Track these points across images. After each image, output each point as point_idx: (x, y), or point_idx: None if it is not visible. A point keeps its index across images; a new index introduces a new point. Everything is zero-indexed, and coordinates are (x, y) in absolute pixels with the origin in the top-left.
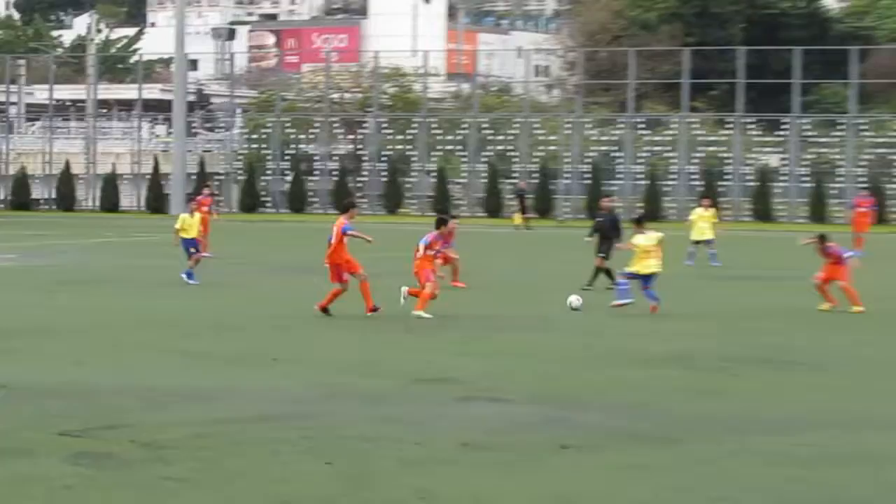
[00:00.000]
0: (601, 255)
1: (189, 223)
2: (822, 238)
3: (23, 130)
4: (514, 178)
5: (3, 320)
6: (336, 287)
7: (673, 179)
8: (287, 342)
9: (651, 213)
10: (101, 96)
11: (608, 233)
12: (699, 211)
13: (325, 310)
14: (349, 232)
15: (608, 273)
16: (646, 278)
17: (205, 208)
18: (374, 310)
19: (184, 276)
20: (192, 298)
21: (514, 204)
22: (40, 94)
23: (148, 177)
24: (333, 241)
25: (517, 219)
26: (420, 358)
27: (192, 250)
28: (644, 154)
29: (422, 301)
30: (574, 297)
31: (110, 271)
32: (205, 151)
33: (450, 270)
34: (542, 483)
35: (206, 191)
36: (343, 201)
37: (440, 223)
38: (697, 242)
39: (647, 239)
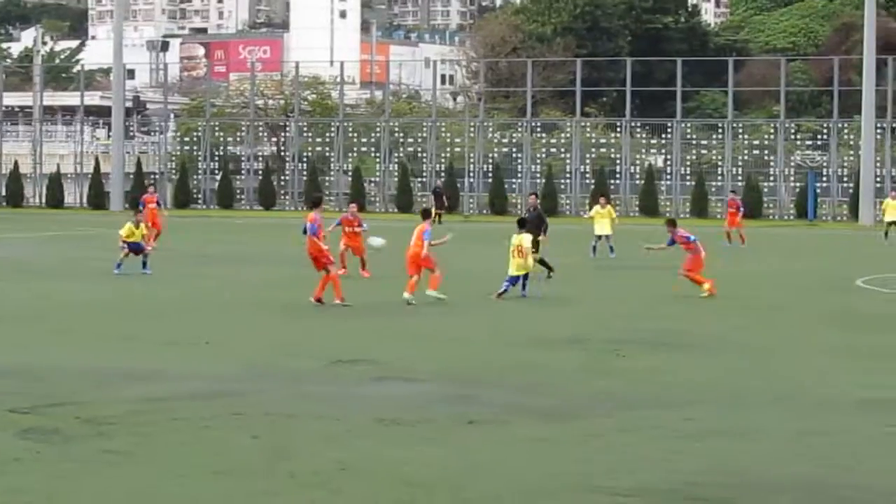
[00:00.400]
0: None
1: (133, 231)
2: (672, 223)
3: None
4: (424, 177)
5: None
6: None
7: (568, 178)
8: (218, 326)
9: (549, 209)
10: (46, 103)
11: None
12: (597, 208)
13: (320, 300)
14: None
15: (543, 263)
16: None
17: (151, 205)
18: (320, 301)
19: (116, 269)
20: (131, 287)
21: (430, 200)
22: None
23: (89, 175)
24: (318, 233)
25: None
26: (339, 341)
27: (138, 251)
28: (541, 155)
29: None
30: (375, 239)
31: (54, 263)
32: (141, 153)
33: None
34: (452, 455)
35: (150, 189)
36: (313, 196)
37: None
38: (599, 237)
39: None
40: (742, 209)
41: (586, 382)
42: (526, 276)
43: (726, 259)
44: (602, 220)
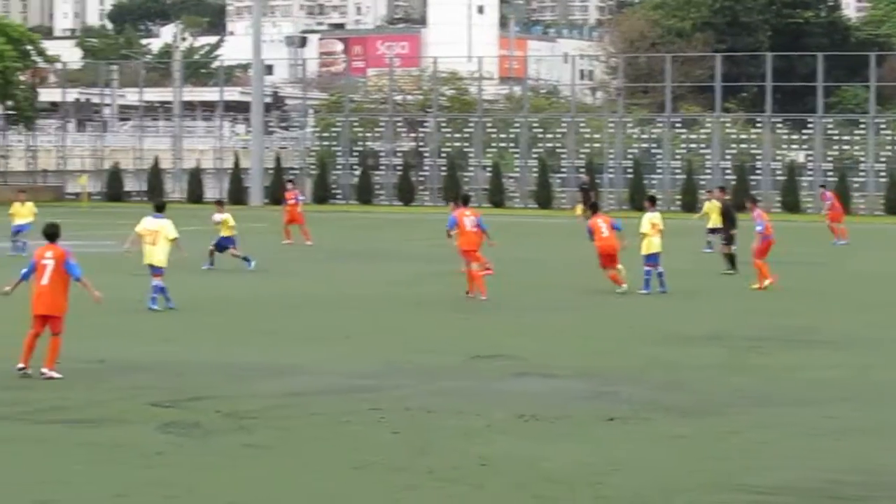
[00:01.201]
0: (724, 241)
1: (229, 223)
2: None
3: (116, 129)
4: (563, 172)
5: (105, 298)
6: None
7: (708, 174)
8: (357, 322)
9: (689, 205)
10: (185, 98)
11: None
12: (708, 204)
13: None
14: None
15: (731, 259)
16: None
17: (291, 201)
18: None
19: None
20: (270, 281)
21: (578, 196)
22: (131, 96)
23: (229, 171)
24: (469, 229)
25: (579, 210)
26: (476, 337)
27: (230, 247)
28: (681, 151)
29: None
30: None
31: (194, 257)
32: (280, 148)
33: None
34: (591, 451)
35: (289, 185)
36: (462, 195)
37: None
38: (712, 230)
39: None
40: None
41: (724, 379)
42: (661, 274)
43: (855, 255)
44: (715, 215)
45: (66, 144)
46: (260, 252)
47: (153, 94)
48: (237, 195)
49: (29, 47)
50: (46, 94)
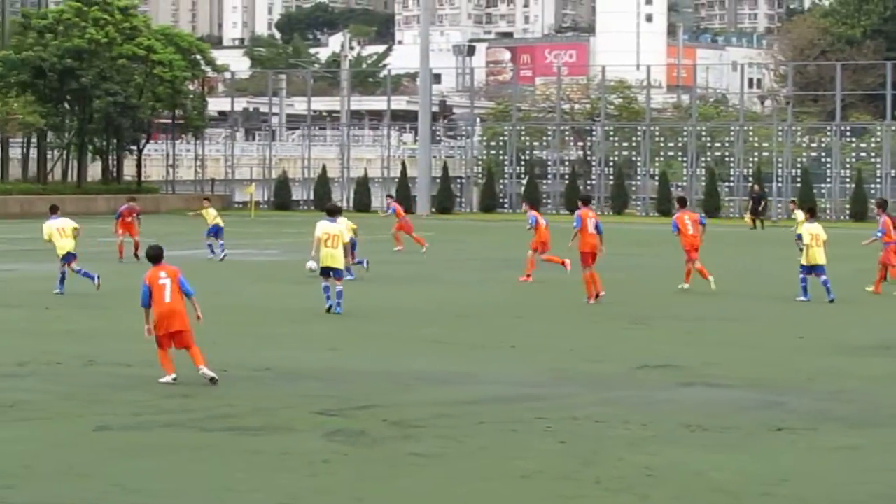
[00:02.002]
0: None
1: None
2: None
3: (284, 138)
4: (731, 181)
5: (271, 306)
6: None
7: (878, 183)
8: (521, 330)
9: (859, 214)
10: (353, 107)
11: None
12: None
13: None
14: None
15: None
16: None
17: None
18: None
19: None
20: (435, 290)
21: (749, 205)
22: (299, 105)
23: (396, 180)
24: (591, 231)
25: (748, 219)
26: (641, 346)
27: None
28: (851, 159)
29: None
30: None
31: (391, 268)
32: (447, 157)
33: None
34: (760, 461)
35: (388, 199)
36: (583, 195)
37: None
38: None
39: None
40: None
41: (894, 390)
42: (826, 282)
43: None
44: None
45: (233, 153)
46: (425, 261)
47: (321, 104)
48: (404, 204)
49: (198, 57)
50: (215, 104)
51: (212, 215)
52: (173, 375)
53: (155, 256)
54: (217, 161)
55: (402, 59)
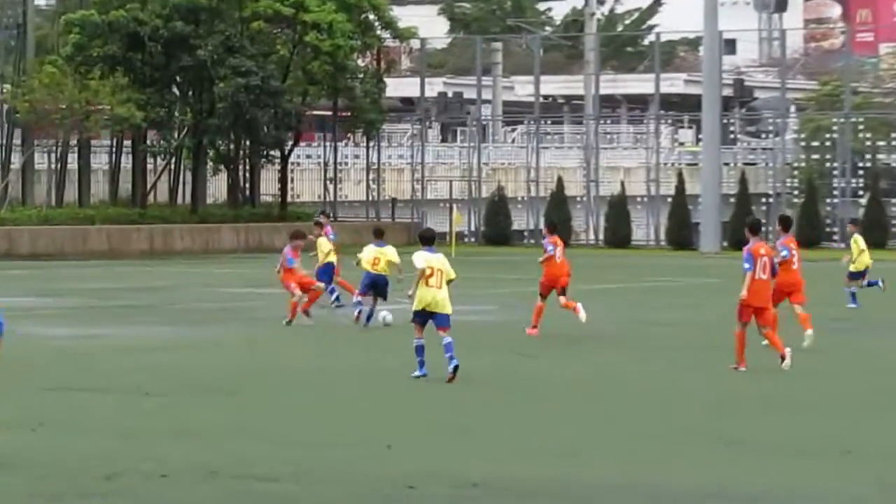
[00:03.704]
0: None
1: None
2: None
3: (499, 137)
4: None
5: (468, 388)
6: None
7: None
8: (854, 428)
9: None
10: (604, 90)
11: None
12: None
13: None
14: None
15: None
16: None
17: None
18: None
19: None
20: (717, 365)
21: None
22: (521, 88)
23: (669, 199)
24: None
25: None
26: None
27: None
28: None
29: None
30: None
31: (611, 327)
32: (746, 164)
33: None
34: None
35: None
36: (751, 220)
37: None
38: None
39: None
40: None
41: None
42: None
43: None
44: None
45: (423, 161)
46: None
47: (554, 86)
48: (680, 235)
49: (371, 17)
50: (397, 87)
51: (325, 249)
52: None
53: None
54: (399, 172)
55: (677, 18)
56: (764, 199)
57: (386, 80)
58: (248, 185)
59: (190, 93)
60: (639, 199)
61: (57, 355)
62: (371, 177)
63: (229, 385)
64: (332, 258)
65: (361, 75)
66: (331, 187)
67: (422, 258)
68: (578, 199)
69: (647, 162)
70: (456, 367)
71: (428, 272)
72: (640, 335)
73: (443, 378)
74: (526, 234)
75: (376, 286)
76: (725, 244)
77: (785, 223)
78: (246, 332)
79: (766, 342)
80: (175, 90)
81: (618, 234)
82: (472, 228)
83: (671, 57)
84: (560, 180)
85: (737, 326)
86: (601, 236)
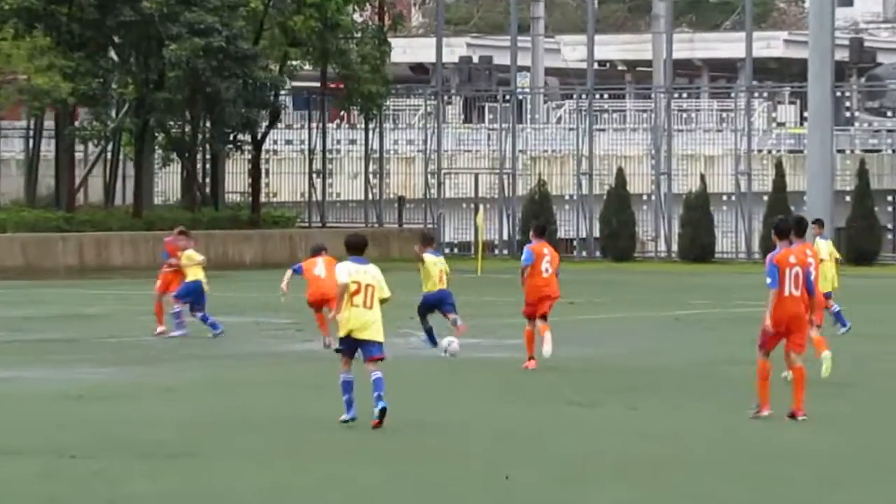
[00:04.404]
0: None
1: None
2: None
3: (540, 117)
4: None
5: (507, 452)
6: None
7: None
8: None
9: None
10: (677, 55)
11: None
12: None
13: None
14: None
15: None
16: None
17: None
18: None
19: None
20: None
21: None
22: (570, 51)
23: (764, 197)
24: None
25: None
26: None
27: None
28: None
29: None
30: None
31: (683, 368)
32: (867, 152)
33: None
34: None
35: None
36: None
37: None
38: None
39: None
40: None
41: None
42: None
43: None
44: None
45: (440, 148)
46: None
47: (613, 48)
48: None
49: None
50: (405, 51)
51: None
52: None
53: None
54: (409, 162)
55: None
56: (891, 197)
57: (391, 41)
58: (208, 180)
59: (132, 58)
60: (724, 198)
61: None
62: (371, 169)
63: (180, 444)
64: (202, 276)
65: (359, 34)
66: (318, 183)
67: (345, 271)
68: (645, 197)
69: (735, 148)
70: (383, 411)
71: (353, 288)
72: (716, 375)
73: (384, 425)
74: (576, 243)
75: None
76: (841, 257)
77: (798, 227)
78: (199, 374)
79: (788, 375)
80: (112, 55)
81: (697, 244)
82: (504, 237)
83: (768, 10)
84: (620, 173)
85: (758, 356)
86: (674, 247)
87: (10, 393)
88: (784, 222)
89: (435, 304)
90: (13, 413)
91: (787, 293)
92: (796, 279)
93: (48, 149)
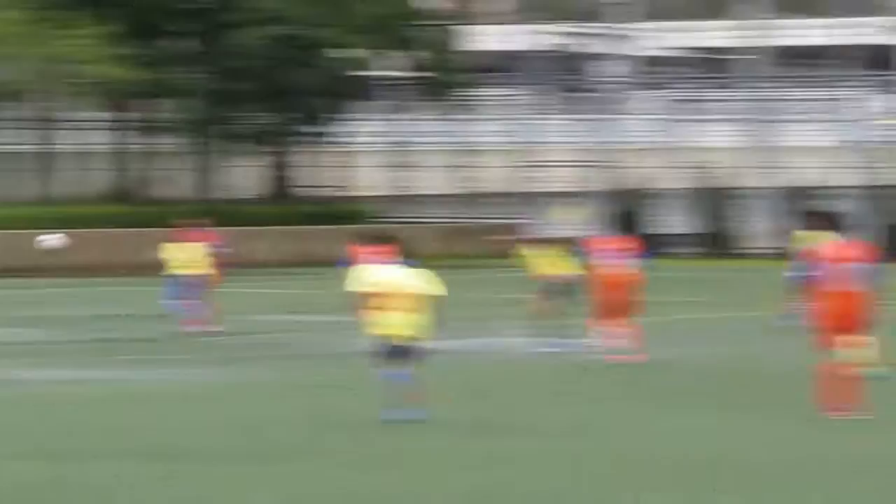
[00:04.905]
0: None
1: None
2: None
3: (630, 110)
4: None
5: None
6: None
7: None
8: None
9: None
10: (780, 41)
11: None
12: None
13: None
14: None
15: None
16: None
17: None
18: None
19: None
20: None
21: None
22: (673, 36)
23: (880, 193)
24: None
25: None
26: None
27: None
28: None
29: None
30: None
31: (781, 368)
32: None
33: None
34: None
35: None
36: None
37: None
38: None
39: None
40: None
41: None
42: None
43: None
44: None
45: (535, 141)
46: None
47: (713, 34)
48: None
49: None
50: (489, 38)
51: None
52: None
53: None
54: (491, 158)
55: None
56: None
57: (481, 27)
58: (280, 174)
59: (205, 46)
60: (832, 192)
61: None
62: (458, 162)
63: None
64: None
65: (433, 20)
66: (402, 176)
67: (366, 276)
68: (749, 191)
69: (841, 145)
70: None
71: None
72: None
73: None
74: (675, 239)
75: None
76: None
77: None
78: (283, 374)
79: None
80: (182, 43)
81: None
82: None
83: None
84: (721, 167)
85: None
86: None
87: (83, 395)
88: (828, 215)
89: None
90: (89, 414)
91: (837, 289)
92: (846, 274)
93: (101, 140)
